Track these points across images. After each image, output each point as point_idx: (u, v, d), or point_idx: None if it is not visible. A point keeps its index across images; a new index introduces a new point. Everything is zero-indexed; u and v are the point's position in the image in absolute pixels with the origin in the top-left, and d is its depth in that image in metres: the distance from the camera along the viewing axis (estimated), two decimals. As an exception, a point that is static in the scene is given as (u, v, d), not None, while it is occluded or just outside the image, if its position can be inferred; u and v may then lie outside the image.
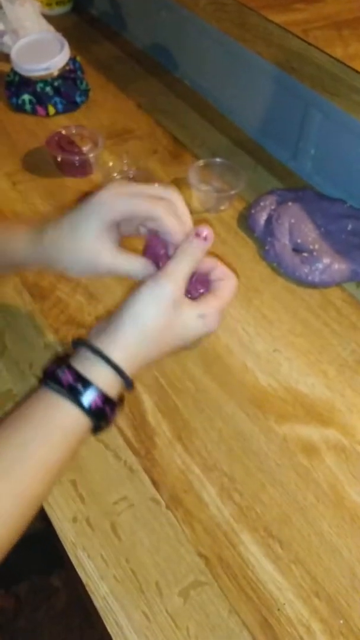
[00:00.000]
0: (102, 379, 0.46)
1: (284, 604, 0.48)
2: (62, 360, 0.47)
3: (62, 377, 0.45)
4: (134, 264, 0.51)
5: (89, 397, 0.45)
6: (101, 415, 0.46)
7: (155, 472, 0.55)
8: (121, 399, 0.48)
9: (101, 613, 0.47)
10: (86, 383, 0.45)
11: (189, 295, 0.50)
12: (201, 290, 0.51)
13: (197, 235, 0.48)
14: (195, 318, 0.48)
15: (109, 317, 0.48)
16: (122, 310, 0.47)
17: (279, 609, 0.48)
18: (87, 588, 0.48)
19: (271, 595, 0.48)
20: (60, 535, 0.51)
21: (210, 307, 0.49)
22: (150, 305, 0.47)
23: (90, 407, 0.45)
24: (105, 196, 0.50)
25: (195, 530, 0.51)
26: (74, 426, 0.45)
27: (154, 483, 0.54)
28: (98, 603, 0.47)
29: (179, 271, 0.47)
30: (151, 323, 0.47)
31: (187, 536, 0.51)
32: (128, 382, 0.47)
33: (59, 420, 0.45)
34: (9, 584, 1.16)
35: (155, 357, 0.48)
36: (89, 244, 0.50)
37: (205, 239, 0.48)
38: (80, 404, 0.44)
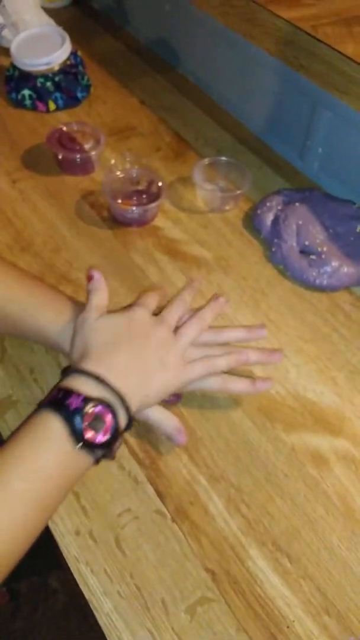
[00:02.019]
0: (79, 384, 0.48)
1: (294, 621, 0.47)
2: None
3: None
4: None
5: (72, 401, 0.46)
6: (94, 422, 0.46)
7: (160, 483, 0.53)
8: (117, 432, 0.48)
9: (105, 631, 0.45)
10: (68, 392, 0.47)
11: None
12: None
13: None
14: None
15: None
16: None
17: (288, 627, 0.46)
18: (91, 604, 0.46)
19: (280, 612, 0.47)
20: (62, 549, 0.49)
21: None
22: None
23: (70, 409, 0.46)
24: None
25: (202, 544, 0.50)
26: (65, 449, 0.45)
27: (159, 494, 0.52)
28: (102, 620, 0.46)
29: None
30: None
31: (194, 550, 0.49)
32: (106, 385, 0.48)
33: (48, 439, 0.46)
34: (5, 582, 1.15)
35: (130, 358, 0.51)
36: None
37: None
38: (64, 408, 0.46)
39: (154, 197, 0.76)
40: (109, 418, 0.46)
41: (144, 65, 1.07)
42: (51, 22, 1.07)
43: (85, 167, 0.83)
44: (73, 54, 0.96)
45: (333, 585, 0.48)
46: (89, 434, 0.45)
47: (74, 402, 0.45)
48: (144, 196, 0.76)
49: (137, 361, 0.51)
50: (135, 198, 0.76)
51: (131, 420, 0.49)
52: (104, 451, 0.47)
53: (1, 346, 0.62)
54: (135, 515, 0.51)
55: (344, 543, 0.51)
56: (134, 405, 0.49)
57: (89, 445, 0.45)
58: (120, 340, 0.52)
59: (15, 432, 0.46)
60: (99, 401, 0.46)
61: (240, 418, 0.58)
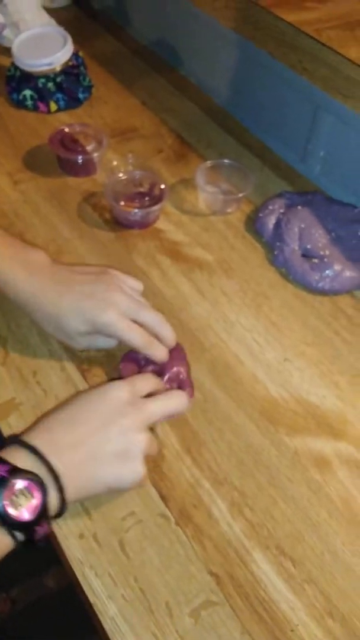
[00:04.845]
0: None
1: (297, 624, 0.47)
2: None
3: None
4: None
5: None
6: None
7: (164, 486, 0.53)
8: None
9: (109, 634, 0.45)
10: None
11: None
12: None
13: None
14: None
15: None
16: None
17: (292, 630, 0.46)
18: (95, 608, 0.46)
19: (284, 615, 0.47)
20: (66, 553, 0.49)
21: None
22: None
23: None
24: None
25: (206, 547, 0.50)
26: None
27: (163, 498, 0.53)
28: (106, 624, 0.46)
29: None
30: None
31: (198, 554, 0.50)
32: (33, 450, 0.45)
33: None
34: (3, 588, 1.15)
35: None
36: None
37: None
38: None
39: (156, 199, 0.76)
40: (36, 496, 0.43)
41: (145, 66, 1.07)
42: (52, 22, 1.06)
43: (87, 168, 0.83)
44: (74, 54, 0.96)
45: (337, 589, 0.49)
46: (8, 509, 0.42)
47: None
48: (146, 198, 0.76)
49: (90, 442, 0.47)
50: (137, 200, 0.77)
51: (64, 505, 0.45)
52: (25, 534, 0.43)
53: (3, 349, 0.62)
54: (139, 518, 0.51)
55: (348, 547, 0.51)
56: (70, 489, 0.45)
57: (8, 523, 0.42)
58: (80, 416, 0.48)
59: None
60: (28, 475, 0.43)
61: (243, 421, 0.58)
